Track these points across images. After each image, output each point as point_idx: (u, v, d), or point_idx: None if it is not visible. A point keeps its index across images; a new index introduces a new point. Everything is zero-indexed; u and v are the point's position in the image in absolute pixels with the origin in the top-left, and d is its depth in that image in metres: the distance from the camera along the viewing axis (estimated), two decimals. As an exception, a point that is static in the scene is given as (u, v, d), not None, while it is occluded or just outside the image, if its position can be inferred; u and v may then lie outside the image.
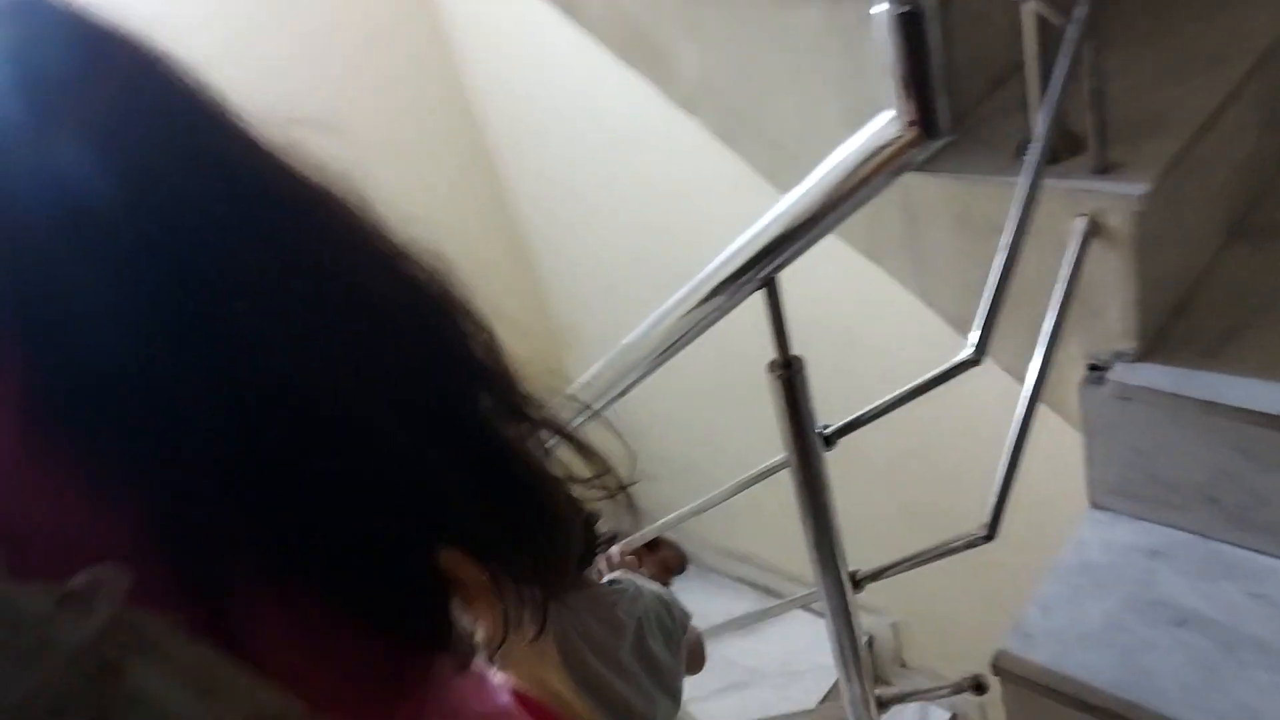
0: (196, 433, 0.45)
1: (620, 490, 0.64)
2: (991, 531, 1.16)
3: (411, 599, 0.54)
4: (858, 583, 1.33)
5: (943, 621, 2.59)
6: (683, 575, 3.71)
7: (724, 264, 1.10)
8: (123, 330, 0.43)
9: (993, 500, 1.16)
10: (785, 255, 1.04)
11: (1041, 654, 1.23)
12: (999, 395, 1.30)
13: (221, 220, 0.46)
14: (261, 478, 0.47)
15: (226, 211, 0.46)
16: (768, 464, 1.33)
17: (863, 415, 1.21)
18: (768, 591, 3.49)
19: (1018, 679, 1.23)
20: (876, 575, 1.33)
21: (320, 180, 0.50)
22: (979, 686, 1.31)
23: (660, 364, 1.29)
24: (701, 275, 1.14)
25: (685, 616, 1.24)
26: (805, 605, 1.48)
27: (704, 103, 1.72)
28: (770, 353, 1.14)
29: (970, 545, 1.19)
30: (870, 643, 2.94)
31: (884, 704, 1.44)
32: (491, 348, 0.56)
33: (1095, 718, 1.19)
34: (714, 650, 3.33)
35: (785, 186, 1.02)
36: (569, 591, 0.70)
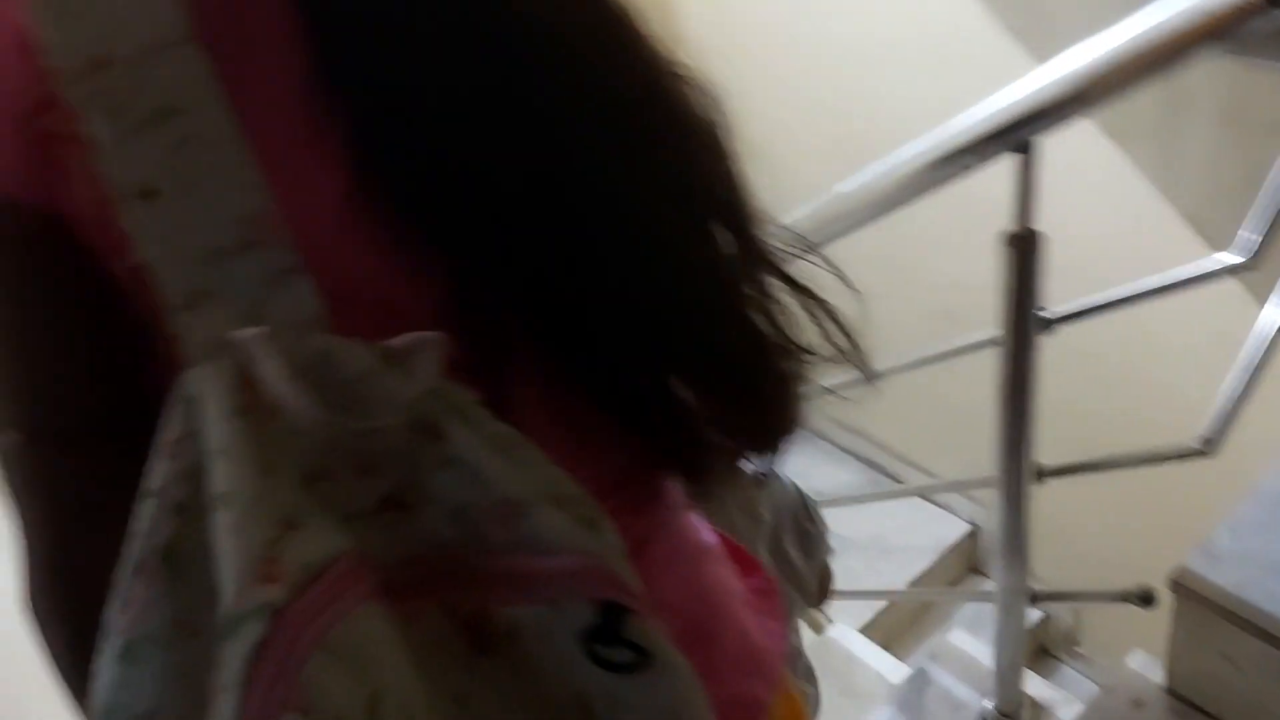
0: (508, 212, 0.47)
1: (851, 349, 0.60)
2: (1210, 447, 1.10)
3: (659, 411, 0.55)
4: (1041, 474, 1.30)
5: (1111, 527, 2.51)
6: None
7: (982, 119, 1.04)
8: (455, 109, 0.45)
9: (1218, 413, 1.10)
10: (1056, 118, 0.97)
11: (1226, 576, 1.19)
12: (1232, 306, 1.22)
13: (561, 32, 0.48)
14: (553, 267, 0.49)
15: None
16: (974, 339, 1.28)
17: (1091, 305, 1.15)
18: (873, 466, 3.48)
19: (1197, 598, 1.20)
20: (1064, 471, 1.29)
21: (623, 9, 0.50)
22: (1146, 598, 1.28)
23: (876, 217, 1.24)
24: (950, 129, 1.07)
25: (824, 527, 1.15)
26: (973, 489, 1.44)
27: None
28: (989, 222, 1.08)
29: (1182, 457, 1.13)
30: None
31: (1036, 599, 1.42)
32: (746, 186, 0.55)
33: (1273, 648, 1.15)
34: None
35: (1037, 45, 0.95)
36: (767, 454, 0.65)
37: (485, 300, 0.48)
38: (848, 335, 0.59)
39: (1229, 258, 0.99)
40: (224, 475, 0.37)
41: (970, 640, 1.71)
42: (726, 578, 0.67)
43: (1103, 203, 1.77)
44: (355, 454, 0.42)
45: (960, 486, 1.48)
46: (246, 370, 0.39)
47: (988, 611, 1.44)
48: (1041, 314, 1.15)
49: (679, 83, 0.52)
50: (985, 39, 1.62)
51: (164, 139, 0.40)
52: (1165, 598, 1.26)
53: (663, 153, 0.52)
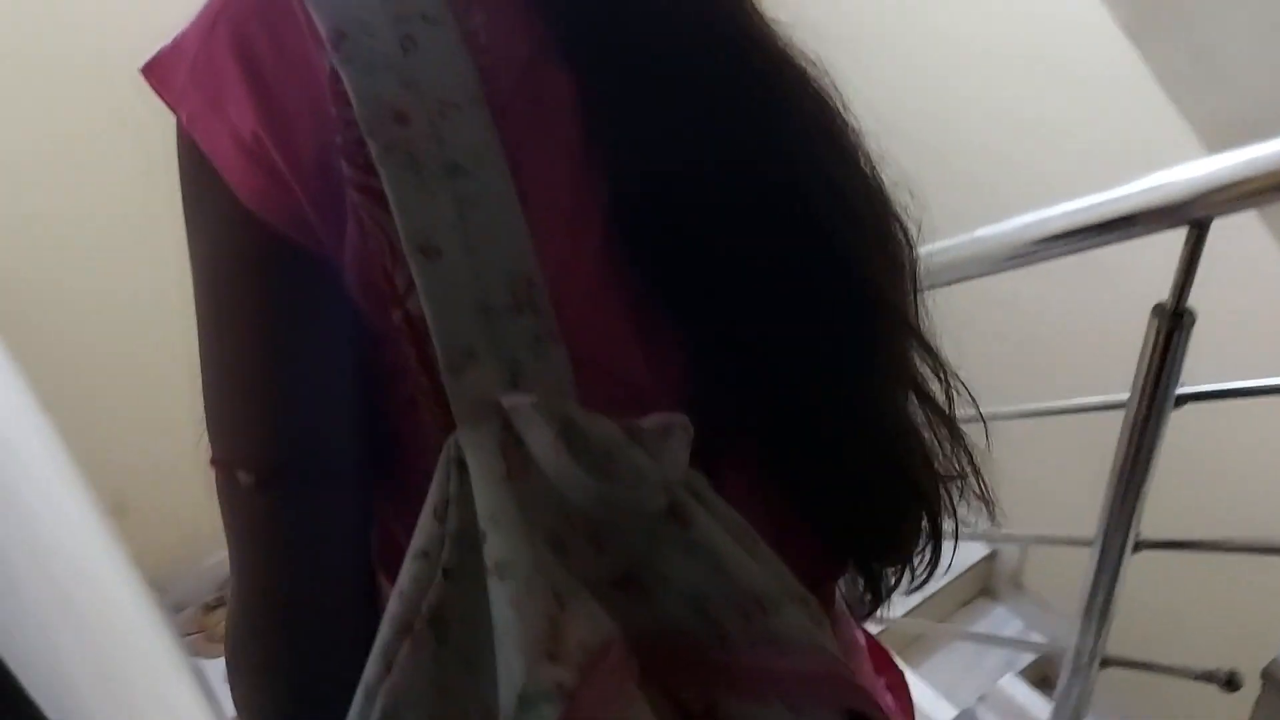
0: (757, 297, 0.47)
1: (982, 496, 0.62)
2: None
3: (856, 515, 0.55)
4: (1140, 545, 1.27)
5: (1196, 604, 2.49)
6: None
7: (1154, 189, 1.00)
8: (715, 193, 0.46)
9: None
10: (1251, 203, 0.94)
11: (1321, 678, 1.17)
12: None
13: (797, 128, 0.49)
14: (792, 361, 0.49)
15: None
16: (1103, 399, 1.25)
17: (1231, 389, 1.12)
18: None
19: (1288, 694, 1.17)
20: (1164, 544, 1.27)
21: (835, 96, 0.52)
22: (1232, 683, 1.26)
23: (1010, 268, 1.21)
24: (1117, 193, 1.04)
25: None
26: (1070, 544, 1.41)
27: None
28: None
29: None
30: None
31: (1108, 663, 1.40)
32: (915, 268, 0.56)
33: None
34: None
35: (1189, 105, 0.90)
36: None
37: (719, 385, 0.48)
38: (976, 468, 0.61)
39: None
40: (501, 544, 0.38)
41: (1025, 690, 1.70)
42: (873, 675, 0.68)
43: (1263, 283, 1.72)
44: (587, 526, 0.41)
45: (1054, 540, 1.45)
46: (513, 436, 0.40)
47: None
48: (1179, 390, 1.11)
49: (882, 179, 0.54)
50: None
51: (451, 196, 0.41)
52: (1251, 686, 1.24)
53: (892, 247, 0.54)
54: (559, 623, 0.37)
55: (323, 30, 0.40)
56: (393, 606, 0.40)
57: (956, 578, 2.96)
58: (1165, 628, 2.81)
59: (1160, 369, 1.09)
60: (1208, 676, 1.27)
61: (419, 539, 0.40)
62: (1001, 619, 3.14)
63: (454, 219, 0.41)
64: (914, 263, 0.56)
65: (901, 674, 0.72)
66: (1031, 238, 1.14)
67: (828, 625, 0.44)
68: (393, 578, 0.41)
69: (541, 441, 0.39)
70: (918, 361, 0.56)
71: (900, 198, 0.55)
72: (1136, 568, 1.30)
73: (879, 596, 0.61)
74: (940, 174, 2.28)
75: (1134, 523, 1.24)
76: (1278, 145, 0.91)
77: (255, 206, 0.42)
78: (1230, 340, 1.83)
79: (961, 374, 0.59)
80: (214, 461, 0.46)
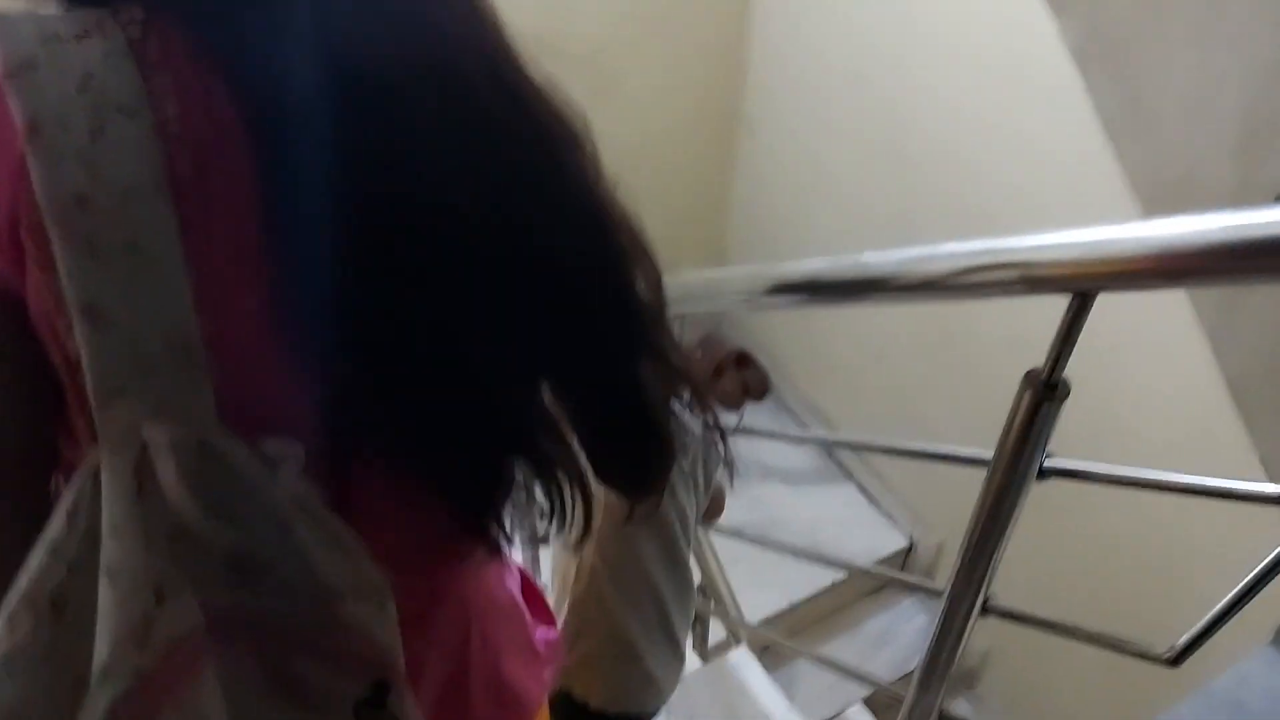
0: (392, 354, 0.56)
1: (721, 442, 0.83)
2: (1177, 660, 0.99)
3: (484, 492, 0.63)
4: (987, 608, 1.19)
5: (1051, 679, 2.46)
6: (759, 402, 3.65)
7: (1047, 247, 0.90)
8: (366, 281, 0.54)
9: (1197, 629, 0.99)
10: (1141, 284, 0.84)
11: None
12: (1255, 527, 1.10)
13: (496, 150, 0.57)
14: (408, 366, 0.57)
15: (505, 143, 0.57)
16: (965, 452, 1.16)
17: (1096, 473, 1.03)
18: (830, 458, 3.41)
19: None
20: (1012, 615, 1.19)
21: (565, 120, 0.61)
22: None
23: (901, 300, 1.11)
24: (1008, 243, 0.93)
25: (716, 466, 1.29)
26: (917, 588, 1.33)
27: (1073, 8, 1.42)
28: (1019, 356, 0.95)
29: (1143, 658, 1.03)
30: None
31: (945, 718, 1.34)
32: (657, 291, 0.68)
33: None
34: (749, 488, 3.30)
35: (1125, 145, 0.80)
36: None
37: (350, 414, 0.57)
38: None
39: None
40: (116, 552, 0.47)
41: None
42: (504, 633, 0.81)
43: (1155, 365, 1.63)
44: (252, 538, 0.51)
45: (907, 581, 1.38)
46: (146, 461, 0.48)
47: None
48: (1045, 462, 1.02)
49: (606, 206, 0.65)
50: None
51: (125, 269, 0.48)
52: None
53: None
54: (152, 618, 0.47)
55: (19, 122, 0.46)
56: (20, 582, 0.48)
57: (870, 564, 2.92)
58: (1017, 691, 2.78)
59: (1024, 439, 0.99)
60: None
61: (51, 531, 0.49)
62: (907, 612, 3.13)
63: (123, 288, 0.48)
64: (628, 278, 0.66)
65: (554, 634, 0.89)
66: (918, 274, 1.04)
67: (389, 605, 0.55)
68: None
69: (167, 474, 0.48)
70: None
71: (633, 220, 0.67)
72: (998, 630, 1.23)
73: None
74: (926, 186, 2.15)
75: (984, 585, 1.16)
76: (1186, 227, 0.81)
77: None
78: (1109, 413, 1.77)
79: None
80: None
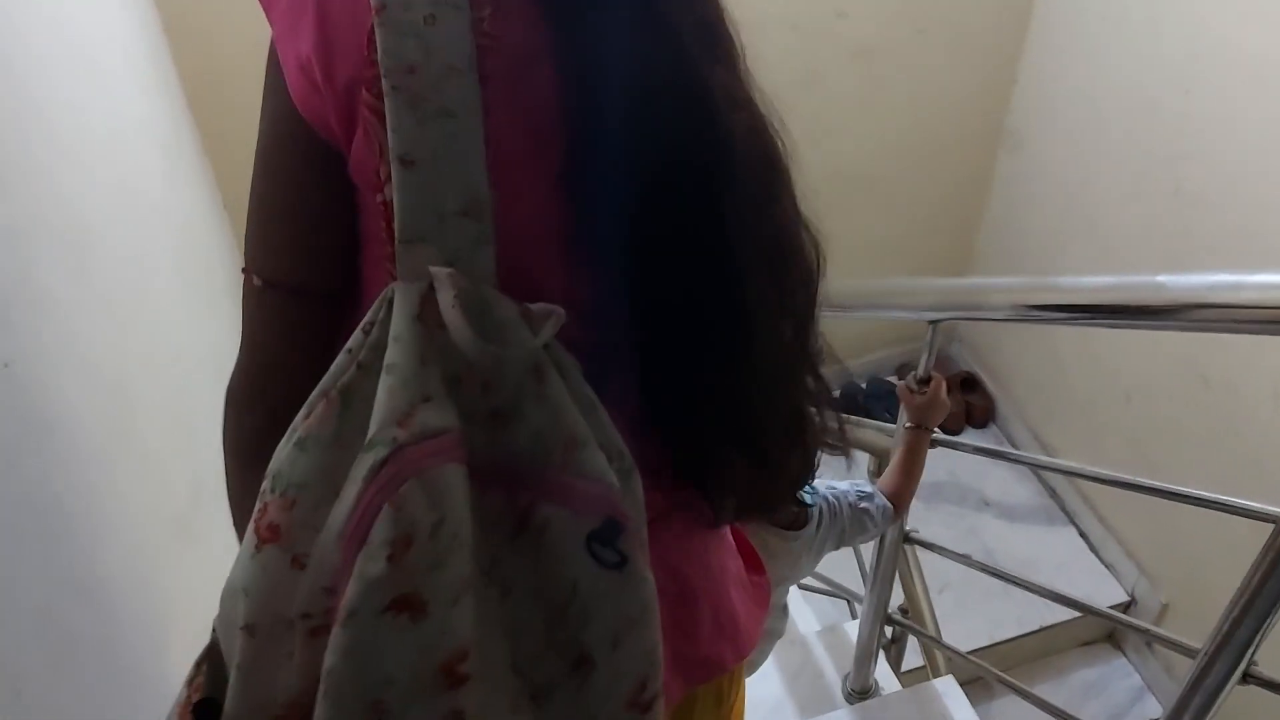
0: (669, 271, 0.65)
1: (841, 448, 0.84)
2: None
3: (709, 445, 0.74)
4: (1249, 676, 1.09)
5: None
6: (980, 429, 3.50)
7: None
8: (652, 205, 0.62)
9: None
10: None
11: None
12: None
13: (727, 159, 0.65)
14: (682, 326, 0.67)
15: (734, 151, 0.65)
16: (1251, 505, 1.06)
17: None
18: (1053, 497, 3.23)
19: None
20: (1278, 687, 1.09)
21: (778, 143, 0.70)
22: None
23: (1200, 328, 1.03)
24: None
25: (884, 519, 1.36)
26: (1175, 649, 1.24)
27: None
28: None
29: None
30: None
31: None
32: (813, 301, 0.75)
33: None
34: (964, 517, 3.16)
35: None
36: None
37: (614, 320, 0.65)
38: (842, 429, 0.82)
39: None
40: (396, 353, 0.56)
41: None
42: (729, 564, 0.87)
43: None
44: (482, 372, 0.58)
45: (1156, 636, 1.29)
46: (431, 293, 0.57)
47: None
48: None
49: (803, 222, 0.73)
50: None
51: (439, 130, 0.57)
52: None
53: (790, 278, 0.72)
54: (415, 409, 0.55)
55: (372, 2, 0.56)
56: (323, 380, 0.58)
57: (1085, 615, 2.76)
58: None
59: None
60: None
61: (350, 342, 0.59)
62: (1120, 670, 2.93)
63: (435, 145, 0.57)
64: (814, 285, 0.75)
65: (766, 581, 0.95)
66: (1225, 300, 0.96)
67: (634, 475, 0.62)
68: None
69: (445, 301, 0.56)
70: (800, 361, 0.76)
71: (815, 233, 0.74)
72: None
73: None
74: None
75: (1249, 651, 1.06)
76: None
77: (299, 105, 0.61)
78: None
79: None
80: (244, 268, 0.67)
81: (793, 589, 2.50)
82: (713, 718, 0.90)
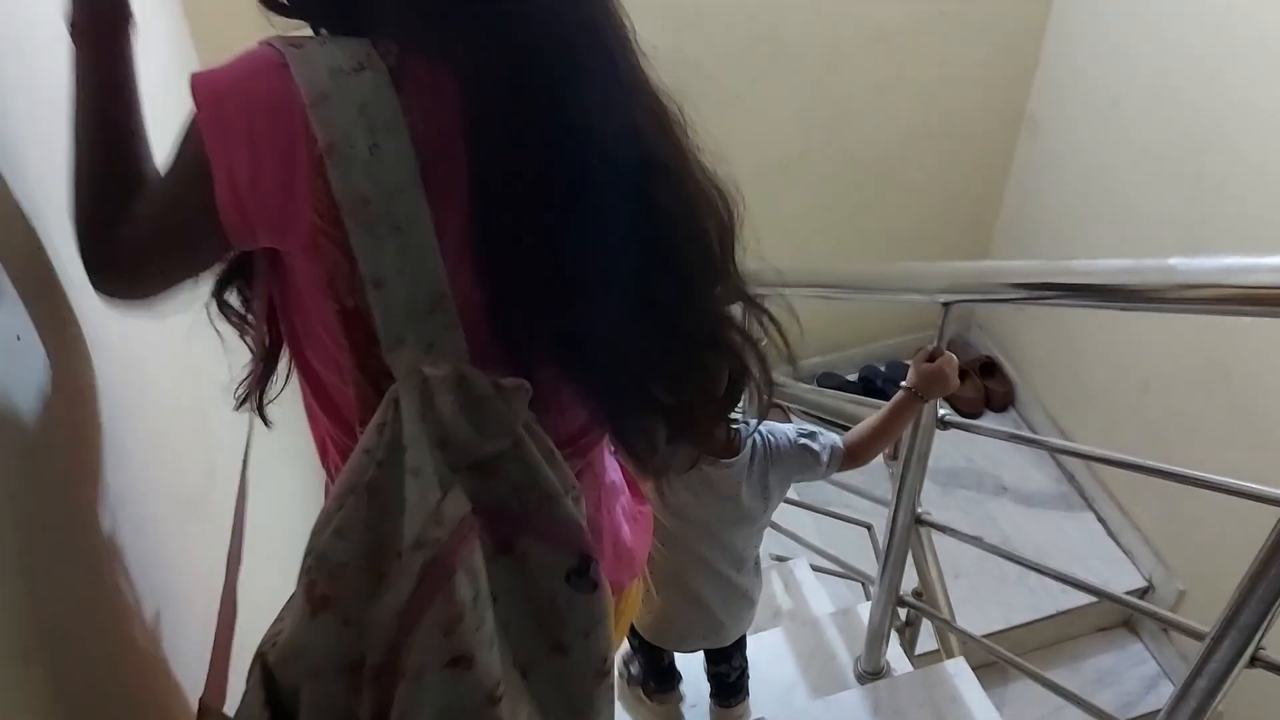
0: (578, 304, 0.75)
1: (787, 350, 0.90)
2: None
3: (619, 386, 0.82)
4: (1257, 660, 1.09)
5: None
6: (999, 414, 3.49)
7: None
8: (549, 250, 0.72)
9: None
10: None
11: None
12: None
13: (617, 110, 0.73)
14: (587, 343, 0.77)
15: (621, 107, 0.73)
16: (1257, 489, 1.06)
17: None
18: (1071, 483, 3.22)
19: None
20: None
21: (671, 107, 0.77)
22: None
23: (1211, 311, 1.03)
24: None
25: (833, 461, 1.42)
26: (1184, 631, 1.23)
27: None
28: None
29: None
30: None
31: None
32: (728, 240, 0.82)
33: None
34: (981, 504, 3.15)
35: None
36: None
37: (532, 344, 0.76)
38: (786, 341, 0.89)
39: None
40: (415, 457, 0.67)
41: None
42: (622, 500, 1.06)
43: None
44: (488, 450, 0.72)
45: (1164, 619, 1.28)
46: (427, 390, 0.68)
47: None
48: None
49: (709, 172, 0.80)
50: None
51: (394, 247, 0.67)
52: None
53: (703, 223, 0.80)
54: (441, 504, 0.67)
55: (321, 142, 0.65)
56: (343, 479, 0.69)
57: (1101, 601, 2.75)
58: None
59: None
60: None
61: (365, 441, 0.69)
62: (1135, 656, 2.93)
63: (395, 261, 0.68)
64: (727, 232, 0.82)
65: (648, 508, 1.15)
66: (1236, 283, 0.96)
67: (579, 498, 0.76)
68: (337, 455, 0.84)
69: (445, 402, 0.69)
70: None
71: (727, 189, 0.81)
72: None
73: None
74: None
75: (1257, 634, 1.06)
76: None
77: (220, 210, 0.67)
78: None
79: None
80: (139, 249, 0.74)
81: (807, 570, 2.51)
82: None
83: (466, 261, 0.70)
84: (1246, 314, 0.97)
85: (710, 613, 1.55)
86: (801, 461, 1.40)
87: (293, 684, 0.68)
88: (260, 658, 0.69)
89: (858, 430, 1.44)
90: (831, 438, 1.42)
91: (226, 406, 0.87)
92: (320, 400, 0.82)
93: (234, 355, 0.84)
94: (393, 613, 0.65)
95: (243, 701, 0.68)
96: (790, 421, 1.64)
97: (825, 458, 1.40)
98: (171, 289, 0.74)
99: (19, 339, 0.66)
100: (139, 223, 0.70)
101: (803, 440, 1.41)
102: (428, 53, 0.68)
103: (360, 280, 0.67)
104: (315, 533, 0.68)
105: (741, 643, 1.79)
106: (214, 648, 0.73)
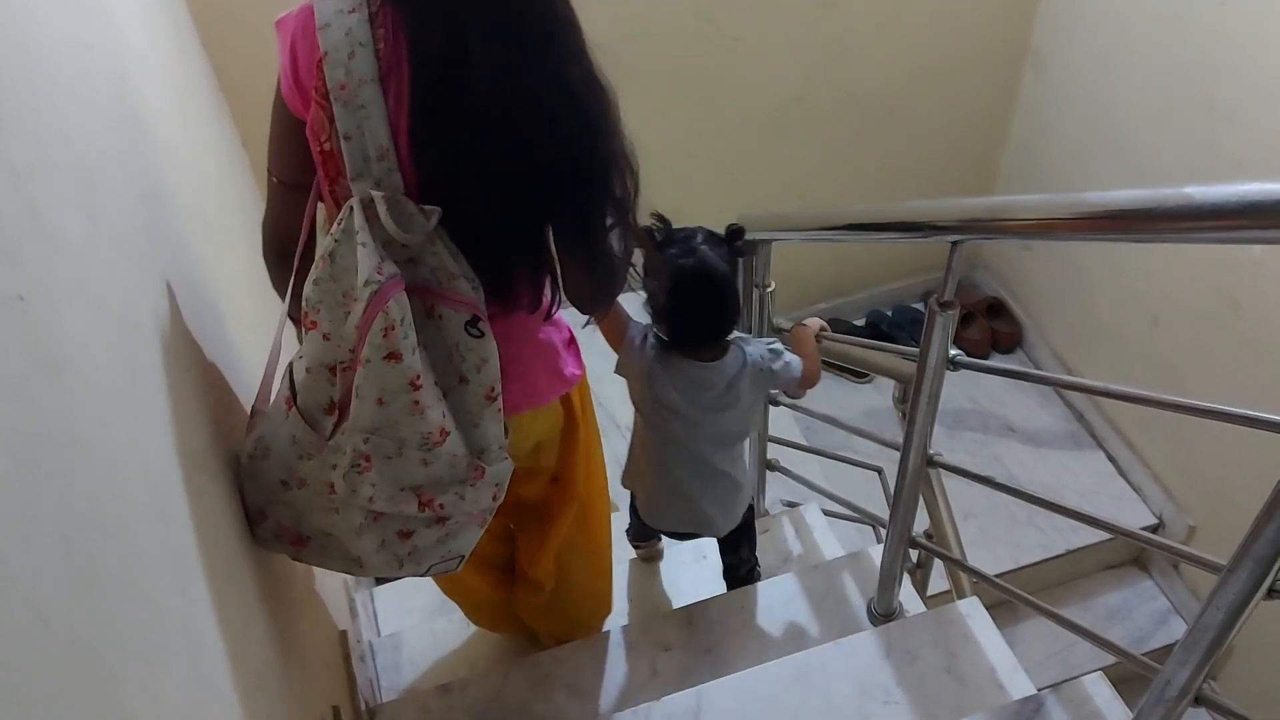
0: (494, 177, 1.13)
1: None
2: None
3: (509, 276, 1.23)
4: (1275, 591, 1.09)
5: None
6: (1006, 354, 3.47)
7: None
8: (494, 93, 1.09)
9: None
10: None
11: None
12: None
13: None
14: (503, 201, 1.15)
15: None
16: (1269, 416, 1.05)
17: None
18: (1079, 422, 3.22)
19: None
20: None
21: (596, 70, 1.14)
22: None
23: (1228, 239, 1.01)
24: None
25: (786, 371, 1.75)
26: (1200, 565, 1.23)
27: None
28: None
29: None
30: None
31: (1200, 702, 1.24)
32: (629, 180, 1.21)
33: None
34: (988, 444, 3.14)
35: None
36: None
37: (459, 197, 1.12)
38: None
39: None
40: (362, 236, 1.05)
41: (1105, 693, 1.55)
42: (556, 337, 1.46)
43: None
44: (401, 242, 1.08)
45: (1184, 555, 1.27)
46: (372, 205, 1.06)
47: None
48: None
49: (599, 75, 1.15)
50: None
51: (360, 115, 1.07)
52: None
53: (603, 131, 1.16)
54: (381, 263, 1.04)
55: (321, 49, 1.07)
56: (318, 254, 1.09)
57: (1112, 537, 2.75)
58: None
59: None
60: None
61: (333, 230, 1.07)
62: (1147, 593, 2.94)
63: (359, 124, 1.08)
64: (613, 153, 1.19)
65: (572, 334, 1.52)
66: (1253, 205, 0.94)
67: (480, 289, 1.15)
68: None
69: (382, 212, 1.05)
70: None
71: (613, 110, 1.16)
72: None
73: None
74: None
75: (1274, 567, 1.05)
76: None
77: (285, 98, 1.14)
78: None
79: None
80: (268, 171, 1.22)
81: (818, 515, 2.51)
82: (548, 423, 1.55)
83: (404, 131, 1.08)
84: (1267, 241, 0.95)
85: (691, 500, 1.85)
86: (770, 367, 1.73)
87: (299, 377, 1.10)
88: (289, 366, 1.13)
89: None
90: (791, 357, 1.76)
91: (232, 358, 1.30)
92: (326, 209, 1.20)
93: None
94: (353, 325, 1.02)
95: (277, 391, 1.14)
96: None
97: (782, 371, 1.74)
98: (291, 205, 1.19)
99: (22, 299, 0.65)
100: (269, 157, 1.21)
101: (770, 349, 1.75)
102: (397, 4, 1.08)
103: (335, 134, 1.08)
104: (306, 284, 1.08)
105: (750, 537, 2.09)
106: (261, 380, 1.18)
